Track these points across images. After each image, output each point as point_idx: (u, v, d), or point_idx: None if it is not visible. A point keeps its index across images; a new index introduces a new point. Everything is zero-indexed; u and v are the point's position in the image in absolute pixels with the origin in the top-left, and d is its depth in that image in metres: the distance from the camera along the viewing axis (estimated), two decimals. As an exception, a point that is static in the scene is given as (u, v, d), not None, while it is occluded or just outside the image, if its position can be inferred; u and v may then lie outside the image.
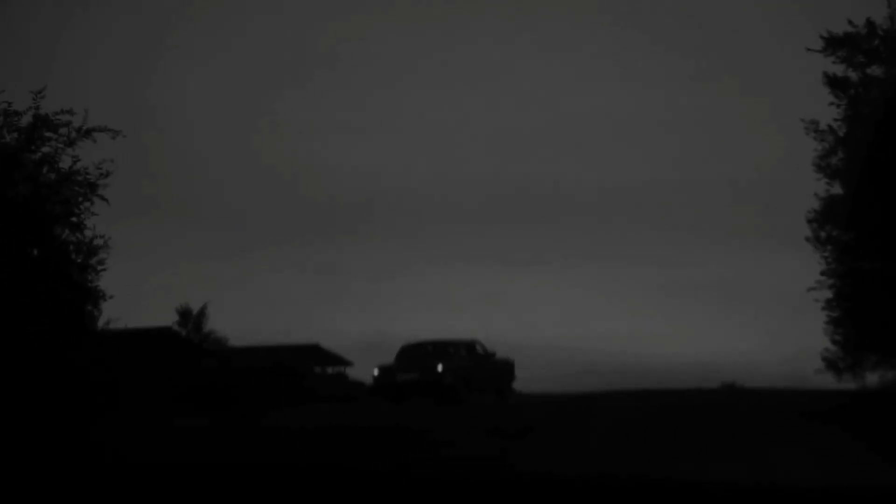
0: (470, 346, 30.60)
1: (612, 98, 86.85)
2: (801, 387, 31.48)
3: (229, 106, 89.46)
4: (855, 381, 29.91)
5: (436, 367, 28.58)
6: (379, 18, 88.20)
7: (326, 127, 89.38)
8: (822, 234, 30.61)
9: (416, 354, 29.83)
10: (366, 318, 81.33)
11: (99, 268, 24.95)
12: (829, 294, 30.01)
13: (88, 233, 24.82)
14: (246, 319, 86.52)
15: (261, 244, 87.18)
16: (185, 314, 69.31)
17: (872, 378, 29.48)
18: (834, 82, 28.53)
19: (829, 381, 30.42)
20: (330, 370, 69.82)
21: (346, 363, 69.55)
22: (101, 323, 24.89)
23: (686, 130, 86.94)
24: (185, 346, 58.46)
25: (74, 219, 24.75)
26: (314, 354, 69.88)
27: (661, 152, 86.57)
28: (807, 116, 29.01)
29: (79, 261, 24.79)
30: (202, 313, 69.43)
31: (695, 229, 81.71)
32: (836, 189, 29.93)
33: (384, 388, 29.19)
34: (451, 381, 28.52)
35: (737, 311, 79.55)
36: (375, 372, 29.87)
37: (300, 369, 60.69)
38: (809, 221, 30.66)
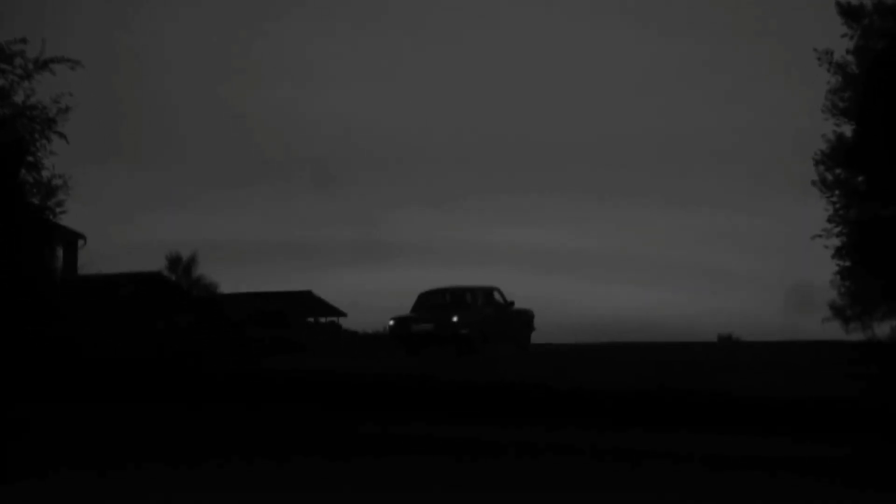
0: (488, 294, 29.71)
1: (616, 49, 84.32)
2: (804, 338, 29.95)
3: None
4: (864, 331, 28.51)
5: (451, 318, 27.89)
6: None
7: (317, 75, 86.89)
8: (830, 177, 29.00)
9: (433, 304, 28.99)
10: (361, 267, 79.42)
11: (58, 210, 23.22)
12: (837, 242, 28.54)
13: (46, 173, 23.05)
14: (238, 267, 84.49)
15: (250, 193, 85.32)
16: (174, 261, 67.72)
17: (882, 328, 28.10)
18: (847, 11, 26.61)
19: (835, 330, 28.97)
20: (323, 320, 68.18)
21: (340, 313, 67.94)
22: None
23: (678, 79, 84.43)
24: (171, 293, 56.88)
25: (31, 157, 22.95)
26: (306, 302, 68.18)
27: (658, 103, 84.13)
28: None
29: (36, 202, 23.07)
30: (192, 260, 67.82)
31: (690, 179, 79.67)
32: (846, 130, 28.32)
33: (400, 339, 28.56)
34: (468, 332, 27.76)
35: (737, 261, 77.79)
36: (391, 322, 29.23)
37: (288, 317, 59.16)
38: (816, 163, 29.04)
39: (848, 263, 28.19)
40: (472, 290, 29.60)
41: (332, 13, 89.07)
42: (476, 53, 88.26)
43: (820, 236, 29.39)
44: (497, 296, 29.98)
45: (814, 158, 29.00)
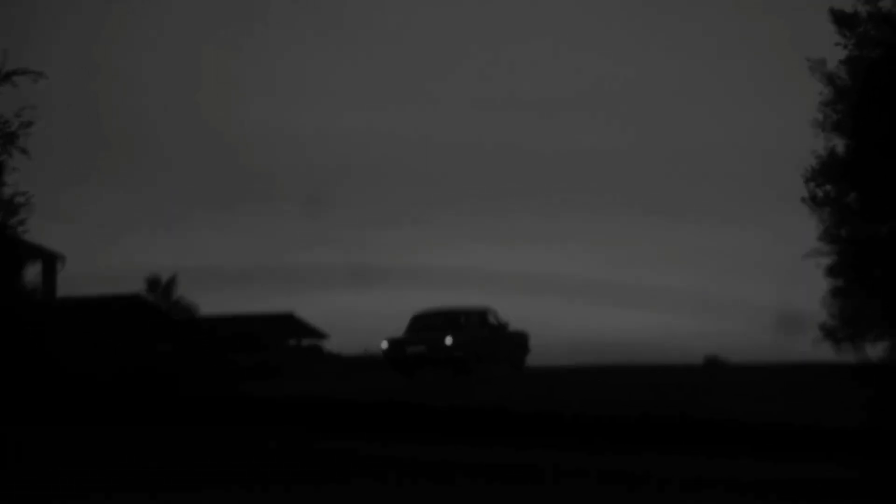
0: (482, 315, 29.62)
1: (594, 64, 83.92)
2: (792, 360, 29.11)
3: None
4: (855, 352, 27.70)
5: (444, 340, 27.67)
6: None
7: (300, 92, 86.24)
8: (821, 194, 28.30)
9: (427, 325, 28.84)
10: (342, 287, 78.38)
11: (20, 228, 22.23)
12: (827, 261, 27.75)
13: (8, 190, 22.09)
14: (219, 287, 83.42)
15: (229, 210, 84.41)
16: (153, 282, 66.88)
17: (874, 350, 27.28)
18: (841, 19, 25.63)
19: (824, 352, 28.21)
20: (305, 342, 67.33)
21: (322, 335, 67.12)
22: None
23: (679, 97, 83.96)
24: (150, 317, 55.88)
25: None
26: (288, 325, 67.37)
27: (646, 119, 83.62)
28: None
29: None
30: (172, 281, 67.07)
31: (676, 198, 79.21)
32: (838, 145, 27.59)
33: (394, 362, 28.46)
34: (461, 353, 27.66)
35: (723, 280, 77.00)
36: (385, 345, 28.84)
37: (269, 341, 58.40)
38: (807, 180, 28.31)
39: (840, 283, 27.41)
40: (466, 312, 29.30)
41: (313, 30, 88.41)
42: (464, 70, 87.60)
43: (810, 255, 28.71)
44: (491, 317, 29.76)
45: (804, 175, 28.33)
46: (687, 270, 79.09)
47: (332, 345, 62.99)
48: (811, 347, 27.91)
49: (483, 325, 29.52)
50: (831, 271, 27.53)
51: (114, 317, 49.66)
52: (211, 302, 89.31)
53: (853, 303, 26.90)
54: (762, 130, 78.39)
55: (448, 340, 27.61)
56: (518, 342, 30.55)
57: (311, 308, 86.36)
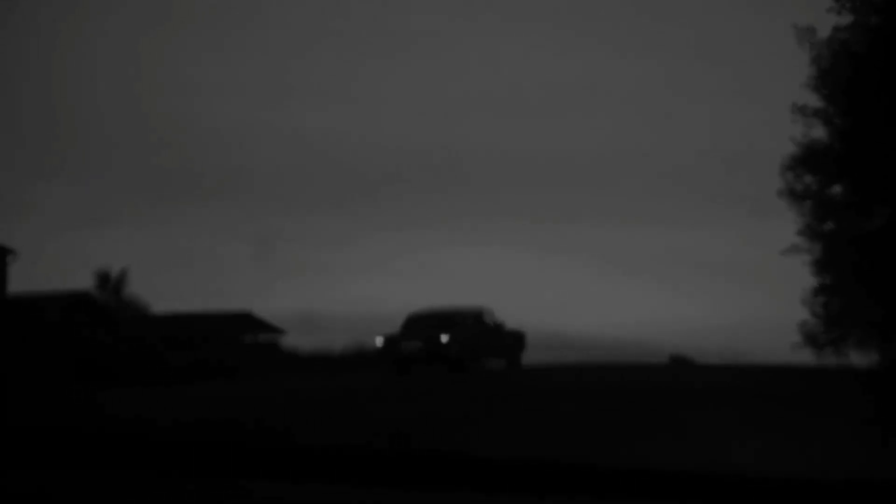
0: (477, 316, 29.85)
1: (561, 65, 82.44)
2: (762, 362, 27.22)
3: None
4: (838, 358, 25.64)
5: (440, 337, 27.86)
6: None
7: (254, 89, 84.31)
8: (800, 186, 26.24)
9: (422, 324, 29.04)
10: (301, 287, 77.37)
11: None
12: (808, 257, 25.63)
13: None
14: (174, 284, 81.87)
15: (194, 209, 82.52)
16: (103, 278, 64.48)
17: (859, 357, 25.20)
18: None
19: (805, 356, 26.17)
20: (261, 339, 65.38)
21: (279, 331, 65.45)
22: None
23: (632, 99, 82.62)
24: (96, 316, 53.68)
25: None
26: (245, 322, 65.57)
27: (608, 121, 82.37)
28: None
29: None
30: (122, 278, 64.69)
31: (647, 199, 78.17)
32: (819, 132, 25.55)
33: (389, 359, 28.57)
34: (457, 351, 27.81)
35: (690, 280, 76.05)
36: (380, 342, 29.09)
37: (222, 339, 56.45)
38: (785, 171, 26.28)
39: (827, 280, 25.23)
40: (461, 311, 29.77)
41: (283, 29, 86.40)
42: (438, 74, 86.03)
43: (789, 252, 26.64)
44: (486, 317, 30.15)
45: (781, 165, 26.27)
46: (660, 269, 78.20)
47: (290, 341, 61.14)
48: (791, 351, 25.96)
49: (478, 324, 29.59)
50: (818, 267, 25.40)
51: (61, 315, 47.89)
52: (167, 299, 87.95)
53: (839, 301, 24.67)
54: (724, 135, 77.47)
55: (444, 338, 27.76)
56: (514, 340, 31.10)
57: (271, 304, 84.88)
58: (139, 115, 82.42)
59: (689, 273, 77.30)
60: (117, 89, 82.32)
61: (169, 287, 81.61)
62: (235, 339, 60.64)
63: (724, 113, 77.83)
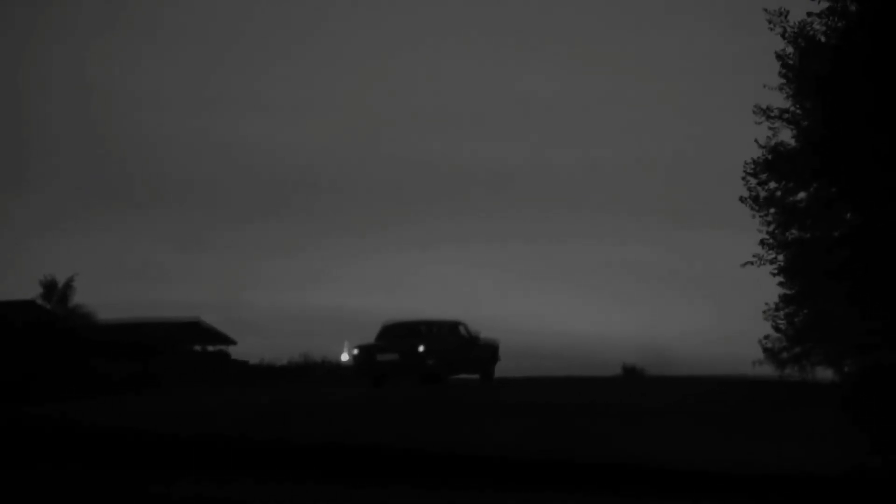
0: (453, 328, 29.62)
1: (522, 77, 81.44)
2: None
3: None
4: (801, 373, 24.41)
5: (417, 348, 27.50)
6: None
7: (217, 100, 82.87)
8: (763, 192, 25.01)
9: (398, 334, 28.85)
10: (253, 298, 76.01)
11: None
12: (773, 268, 24.32)
13: None
14: (123, 294, 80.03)
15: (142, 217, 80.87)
16: (49, 287, 62.69)
17: (825, 372, 23.95)
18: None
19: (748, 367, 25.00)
20: (211, 348, 63.76)
21: (230, 341, 63.95)
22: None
23: (593, 110, 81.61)
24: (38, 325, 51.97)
25: None
26: (194, 330, 64.01)
27: (571, 131, 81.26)
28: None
29: None
30: (68, 285, 62.91)
31: (609, 209, 77.20)
32: (785, 136, 24.36)
33: (363, 369, 28.15)
34: (434, 362, 27.41)
35: (655, 291, 75.03)
36: (355, 351, 28.85)
37: (167, 348, 54.82)
38: (747, 176, 25.06)
39: (793, 291, 23.94)
40: (438, 323, 29.60)
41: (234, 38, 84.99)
42: (390, 75, 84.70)
43: (752, 263, 25.38)
44: (462, 329, 29.92)
45: (745, 170, 25.04)
46: (610, 278, 77.28)
47: (241, 352, 59.55)
48: (752, 368, 24.73)
49: (454, 335, 29.35)
50: (786, 276, 24.08)
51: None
52: (120, 309, 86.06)
53: (808, 312, 23.34)
54: (685, 144, 76.83)
55: (421, 348, 27.37)
56: (489, 353, 30.76)
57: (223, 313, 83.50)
58: (84, 124, 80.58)
59: (644, 284, 76.30)
60: (59, 98, 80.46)
61: (121, 297, 79.66)
62: (182, 348, 59.04)
63: (678, 124, 76.87)
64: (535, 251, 77.68)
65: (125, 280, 75.52)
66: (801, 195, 24.38)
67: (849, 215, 21.10)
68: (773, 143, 24.35)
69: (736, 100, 71.67)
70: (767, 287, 25.82)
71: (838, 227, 21.34)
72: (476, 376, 29.62)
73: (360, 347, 28.44)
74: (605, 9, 79.49)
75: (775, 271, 24.47)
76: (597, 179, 79.82)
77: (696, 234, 71.58)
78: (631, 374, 37.11)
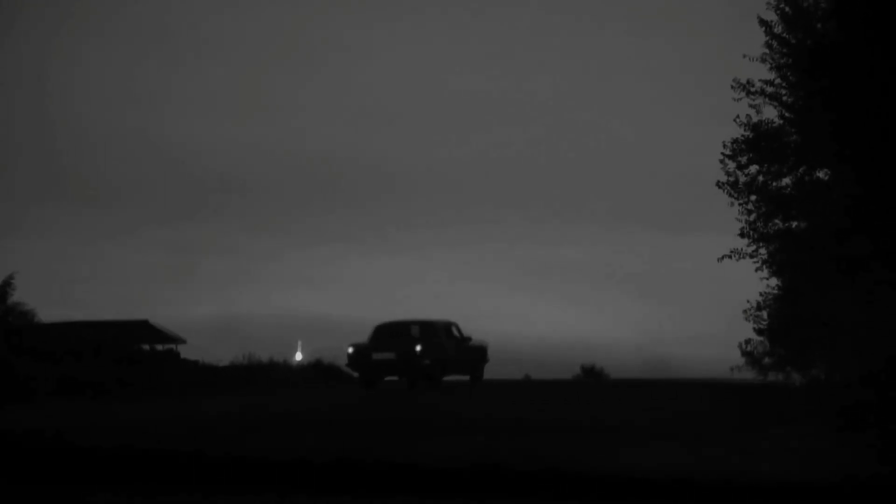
0: (447, 328, 29.58)
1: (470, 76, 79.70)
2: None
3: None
4: (786, 378, 21.99)
5: (414, 348, 27.61)
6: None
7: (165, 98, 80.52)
8: (744, 176, 22.58)
9: (392, 333, 28.75)
10: (209, 299, 74.07)
11: None
12: (755, 262, 21.93)
13: None
14: (73, 293, 77.60)
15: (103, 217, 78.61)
16: (-16, 285, 59.96)
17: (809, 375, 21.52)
18: None
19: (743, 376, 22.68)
20: (160, 347, 61.30)
21: (180, 340, 61.74)
22: None
23: (550, 110, 79.97)
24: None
25: None
26: (143, 331, 61.74)
27: (524, 130, 79.59)
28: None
29: None
30: (7, 283, 60.14)
31: (568, 210, 75.90)
32: (769, 113, 21.95)
33: (358, 368, 28.30)
34: (430, 362, 27.61)
35: (606, 292, 73.53)
36: (350, 350, 28.43)
37: (121, 348, 52.21)
38: (725, 158, 22.61)
39: (775, 288, 21.51)
40: (432, 323, 29.33)
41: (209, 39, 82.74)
42: (365, 79, 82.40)
43: (729, 257, 22.94)
44: (455, 330, 29.95)
45: (722, 152, 22.62)
46: (577, 282, 75.68)
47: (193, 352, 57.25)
48: (731, 374, 22.34)
49: (448, 336, 29.40)
50: (773, 270, 21.65)
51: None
52: (66, 307, 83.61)
53: (795, 309, 20.78)
54: (667, 140, 75.28)
55: (418, 348, 27.53)
56: (478, 356, 30.87)
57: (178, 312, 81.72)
58: (34, 119, 78.10)
59: (606, 285, 74.93)
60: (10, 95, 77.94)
61: (67, 296, 77.02)
62: (130, 349, 56.42)
63: (665, 130, 75.41)
64: (488, 253, 76.65)
65: (72, 280, 73.52)
66: (786, 181, 21.99)
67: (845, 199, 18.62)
68: (757, 120, 21.94)
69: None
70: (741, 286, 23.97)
71: (831, 215, 18.84)
72: (466, 377, 29.70)
73: (355, 346, 28.14)
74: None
75: (758, 265, 22.18)
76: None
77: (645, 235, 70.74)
78: (589, 377, 37.58)
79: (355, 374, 28.71)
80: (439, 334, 28.82)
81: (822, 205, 19.46)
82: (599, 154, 77.13)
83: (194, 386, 32.84)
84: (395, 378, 28.08)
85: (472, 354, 30.25)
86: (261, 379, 36.12)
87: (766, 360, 21.68)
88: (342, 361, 31.55)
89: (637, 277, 69.98)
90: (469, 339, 30.08)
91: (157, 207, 79.08)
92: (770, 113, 21.80)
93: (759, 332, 22.12)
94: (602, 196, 77.17)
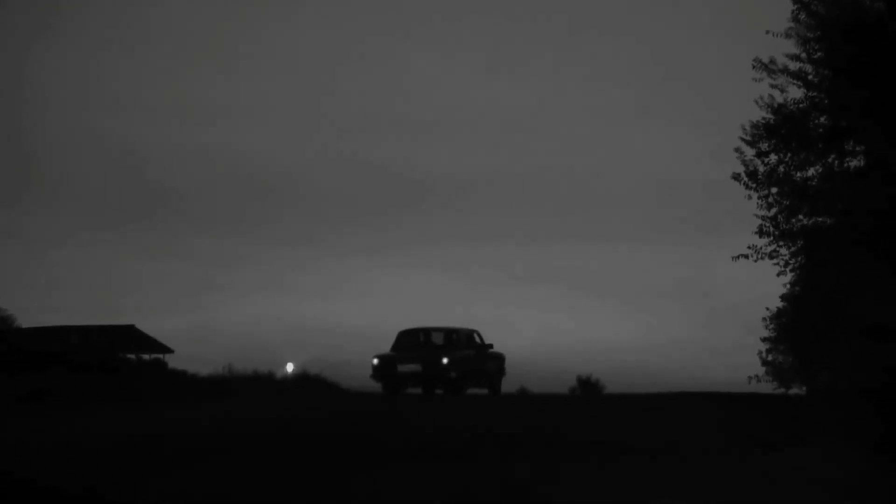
0: (469, 337, 28.95)
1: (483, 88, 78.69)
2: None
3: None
4: (809, 386, 19.87)
5: (441, 359, 27.08)
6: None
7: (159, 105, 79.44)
8: (763, 167, 20.37)
9: (416, 343, 28.58)
10: (191, 306, 73.31)
11: None
12: (777, 263, 19.76)
13: None
14: (54, 300, 76.82)
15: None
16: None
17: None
18: None
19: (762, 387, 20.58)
20: (147, 357, 59.73)
21: (166, 349, 60.26)
22: None
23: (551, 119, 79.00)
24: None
25: None
26: (128, 337, 60.24)
27: (528, 141, 78.61)
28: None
29: None
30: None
31: (568, 218, 75.23)
32: (795, 93, 19.82)
33: (383, 379, 27.75)
34: (456, 374, 27.14)
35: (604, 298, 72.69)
36: (375, 361, 28.07)
37: (106, 355, 50.52)
38: (744, 144, 20.43)
39: (800, 291, 19.30)
40: (457, 331, 28.85)
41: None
42: (354, 86, 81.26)
43: (746, 256, 20.71)
44: (477, 338, 29.29)
45: (741, 138, 20.46)
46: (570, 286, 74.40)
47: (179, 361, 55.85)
48: (749, 384, 20.18)
49: (471, 345, 28.78)
50: (790, 263, 19.52)
51: None
52: (47, 312, 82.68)
53: (820, 314, 18.57)
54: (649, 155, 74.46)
55: (445, 360, 27.03)
56: (497, 365, 30.14)
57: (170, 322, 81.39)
58: (13, 124, 77.35)
59: (608, 294, 74.29)
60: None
61: (49, 302, 76.05)
62: (115, 356, 54.72)
63: (668, 139, 74.35)
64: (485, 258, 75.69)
65: (54, 285, 72.86)
66: (811, 171, 19.77)
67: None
68: (776, 103, 19.76)
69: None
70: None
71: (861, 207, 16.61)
72: (485, 391, 28.95)
73: (380, 357, 27.84)
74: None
75: (780, 265, 19.95)
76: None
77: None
78: (584, 388, 36.84)
79: (379, 384, 27.98)
80: (462, 344, 28.30)
81: (856, 198, 17.24)
82: (598, 161, 76.36)
83: (168, 395, 31.07)
84: (419, 390, 27.61)
85: (492, 365, 29.63)
86: (242, 389, 34.28)
87: (786, 368, 19.50)
88: (335, 372, 31.54)
89: (636, 284, 69.10)
90: (490, 346, 29.35)
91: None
92: (795, 94, 19.68)
93: (775, 340, 19.98)
94: (603, 205, 76.39)
